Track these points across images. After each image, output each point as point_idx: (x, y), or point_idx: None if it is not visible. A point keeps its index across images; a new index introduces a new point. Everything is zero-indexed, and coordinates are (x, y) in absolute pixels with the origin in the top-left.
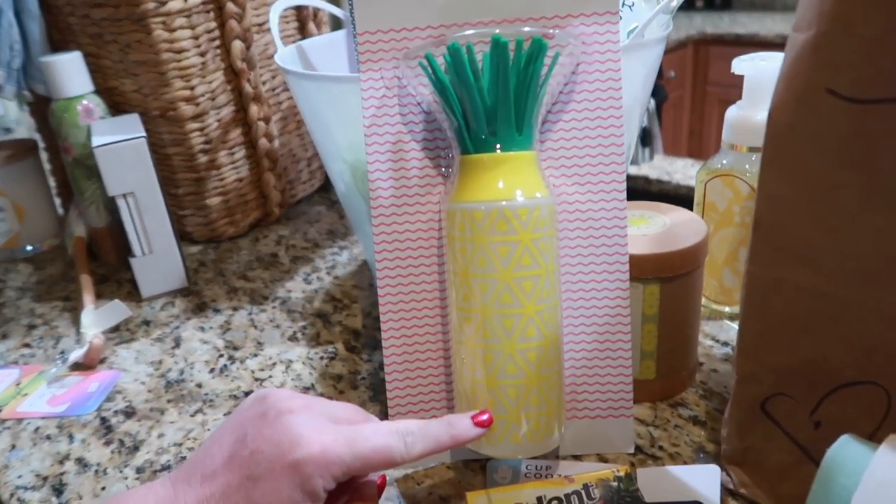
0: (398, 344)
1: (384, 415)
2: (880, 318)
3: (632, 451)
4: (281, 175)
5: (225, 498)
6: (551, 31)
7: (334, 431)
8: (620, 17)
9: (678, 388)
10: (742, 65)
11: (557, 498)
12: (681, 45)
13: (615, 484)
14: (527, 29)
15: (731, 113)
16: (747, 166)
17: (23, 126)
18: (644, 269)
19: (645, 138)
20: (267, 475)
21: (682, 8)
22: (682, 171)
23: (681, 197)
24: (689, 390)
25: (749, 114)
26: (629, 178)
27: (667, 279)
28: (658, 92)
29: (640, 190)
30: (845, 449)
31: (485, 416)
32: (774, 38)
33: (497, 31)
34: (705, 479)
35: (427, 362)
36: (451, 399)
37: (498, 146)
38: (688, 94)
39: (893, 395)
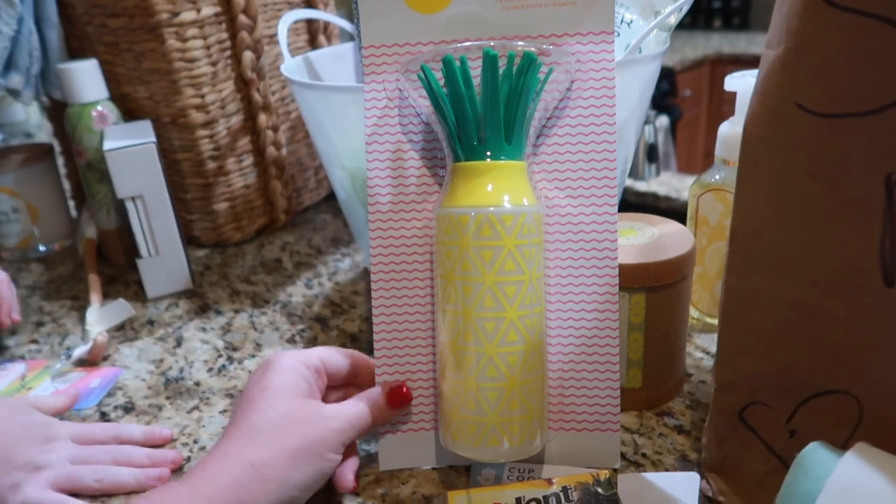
0: (389, 346)
1: None
2: (849, 329)
3: (617, 466)
4: (288, 183)
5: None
6: (546, 47)
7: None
8: (616, 36)
9: (664, 397)
10: (733, 81)
11: (536, 499)
12: (697, 63)
13: (594, 488)
14: (520, 44)
15: (724, 129)
16: None
17: (44, 131)
18: (630, 279)
19: (651, 154)
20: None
21: (699, 27)
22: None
23: None
24: (675, 400)
25: (741, 130)
26: (638, 195)
27: (653, 289)
28: (673, 110)
29: (648, 206)
30: (813, 455)
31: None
32: None
33: (491, 44)
34: (685, 486)
35: (417, 365)
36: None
37: (488, 154)
38: (704, 113)
39: (864, 405)
